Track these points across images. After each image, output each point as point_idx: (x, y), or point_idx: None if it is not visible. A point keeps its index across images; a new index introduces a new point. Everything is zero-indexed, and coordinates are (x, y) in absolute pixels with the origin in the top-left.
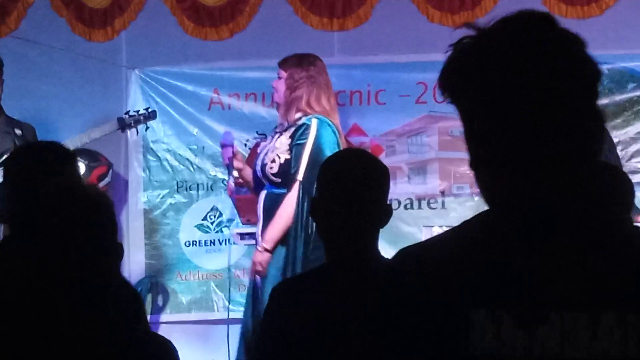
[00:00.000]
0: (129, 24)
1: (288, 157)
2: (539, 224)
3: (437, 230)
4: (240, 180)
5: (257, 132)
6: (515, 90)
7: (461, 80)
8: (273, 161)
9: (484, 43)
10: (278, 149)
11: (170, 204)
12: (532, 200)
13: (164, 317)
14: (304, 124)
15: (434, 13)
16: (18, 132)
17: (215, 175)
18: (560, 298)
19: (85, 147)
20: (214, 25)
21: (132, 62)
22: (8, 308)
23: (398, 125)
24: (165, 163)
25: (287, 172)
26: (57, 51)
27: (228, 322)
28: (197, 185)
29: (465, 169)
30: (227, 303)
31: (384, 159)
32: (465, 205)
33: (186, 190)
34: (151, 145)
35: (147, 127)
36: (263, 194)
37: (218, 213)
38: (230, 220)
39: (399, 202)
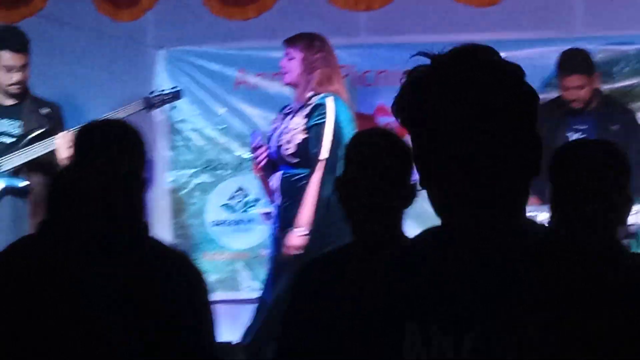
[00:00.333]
0: (155, 4)
1: (304, 136)
2: (471, 243)
3: None
4: None
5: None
6: (453, 117)
7: (410, 107)
8: (289, 142)
9: (429, 74)
10: (293, 129)
11: (197, 183)
12: (465, 222)
13: None
14: (319, 103)
15: None
16: (44, 111)
17: (241, 155)
18: (483, 316)
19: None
20: (240, 4)
21: (158, 41)
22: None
23: None
24: (191, 143)
25: (304, 151)
26: (83, 31)
27: (254, 301)
28: (223, 164)
29: None
30: (253, 283)
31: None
32: None
33: (212, 170)
34: (177, 125)
35: (173, 107)
36: (278, 175)
37: (244, 193)
38: (256, 200)
39: None
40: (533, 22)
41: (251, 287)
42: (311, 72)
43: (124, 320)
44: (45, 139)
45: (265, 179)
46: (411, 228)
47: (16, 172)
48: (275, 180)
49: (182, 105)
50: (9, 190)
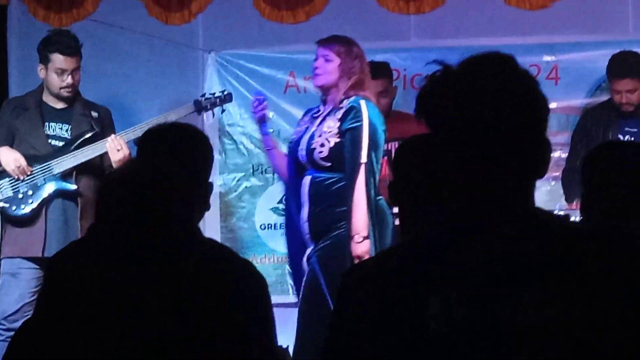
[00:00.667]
0: (206, 7)
1: (338, 140)
2: (476, 228)
3: None
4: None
5: None
6: (466, 121)
7: (428, 109)
8: (322, 145)
9: (448, 80)
10: (326, 132)
11: (246, 187)
12: (474, 213)
13: None
14: (352, 106)
15: None
16: (95, 114)
17: None
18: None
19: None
20: (290, 8)
21: (209, 45)
22: None
23: None
24: (241, 146)
25: (338, 155)
26: (134, 34)
27: None
28: (273, 168)
29: None
30: None
31: None
32: (541, 189)
33: (262, 173)
34: (227, 128)
35: (223, 110)
36: (307, 179)
37: None
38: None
39: None
40: (584, 25)
41: None
42: (350, 78)
43: (179, 329)
44: (96, 142)
45: (274, 151)
46: None
47: (66, 175)
48: (304, 185)
49: (232, 108)
50: (60, 193)
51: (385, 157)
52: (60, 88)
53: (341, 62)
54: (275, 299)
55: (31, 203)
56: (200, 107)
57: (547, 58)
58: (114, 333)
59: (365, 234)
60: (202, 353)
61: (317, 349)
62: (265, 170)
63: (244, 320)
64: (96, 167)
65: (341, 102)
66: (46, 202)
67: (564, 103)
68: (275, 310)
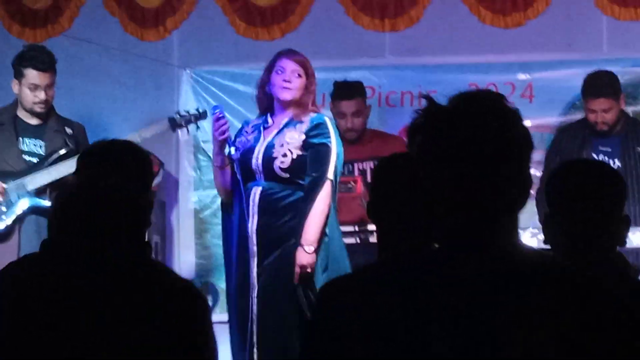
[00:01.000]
0: (181, 24)
1: (300, 153)
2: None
3: None
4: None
5: None
6: (452, 156)
7: (418, 143)
8: (284, 155)
9: (436, 114)
10: (289, 143)
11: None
12: (453, 245)
13: (214, 317)
14: (320, 123)
15: (485, 14)
16: (69, 131)
17: None
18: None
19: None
20: (266, 25)
21: (184, 61)
22: None
23: None
24: None
25: (298, 168)
26: (109, 50)
27: None
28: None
29: None
30: None
31: None
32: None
33: None
34: (202, 145)
35: (198, 127)
36: (257, 190)
37: None
38: None
39: None
40: (559, 43)
41: None
42: (310, 89)
43: (120, 342)
44: (70, 158)
45: (221, 165)
46: None
47: (40, 191)
48: (254, 195)
49: (208, 125)
50: (34, 210)
51: (360, 176)
52: (34, 103)
53: (307, 79)
54: None
55: (5, 219)
56: (174, 124)
57: (521, 76)
58: (62, 342)
59: (315, 246)
60: None
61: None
62: None
63: (184, 341)
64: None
65: (301, 115)
66: (20, 219)
67: (538, 121)
68: None
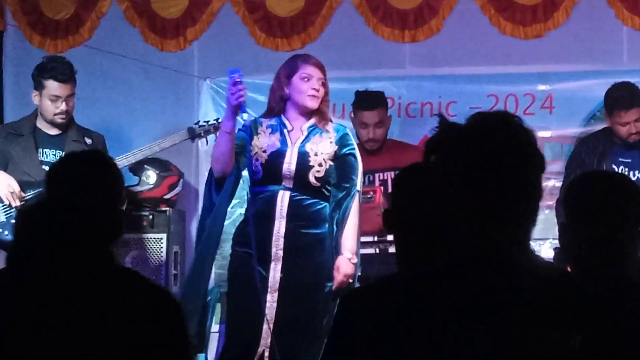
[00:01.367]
0: (201, 34)
1: (331, 163)
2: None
3: None
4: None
5: None
6: (469, 172)
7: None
8: (320, 165)
9: (457, 133)
10: (324, 154)
11: (240, 213)
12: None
13: None
14: (345, 133)
15: (505, 25)
16: (88, 141)
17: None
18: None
19: (156, 156)
20: (286, 36)
21: (204, 72)
22: None
23: None
24: None
25: (327, 178)
26: (129, 61)
27: None
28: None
29: None
30: None
31: None
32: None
33: None
34: None
35: (217, 138)
36: (285, 195)
37: None
38: None
39: None
40: (579, 54)
41: None
42: (327, 101)
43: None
44: None
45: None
46: None
47: None
48: (282, 200)
49: None
50: None
51: (381, 187)
52: (54, 114)
53: (325, 87)
54: None
55: None
56: (193, 135)
57: (541, 87)
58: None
59: (357, 258)
60: None
61: None
62: None
63: (160, 347)
64: None
65: (321, 124)
66: None
67: (558, 132)
68: None
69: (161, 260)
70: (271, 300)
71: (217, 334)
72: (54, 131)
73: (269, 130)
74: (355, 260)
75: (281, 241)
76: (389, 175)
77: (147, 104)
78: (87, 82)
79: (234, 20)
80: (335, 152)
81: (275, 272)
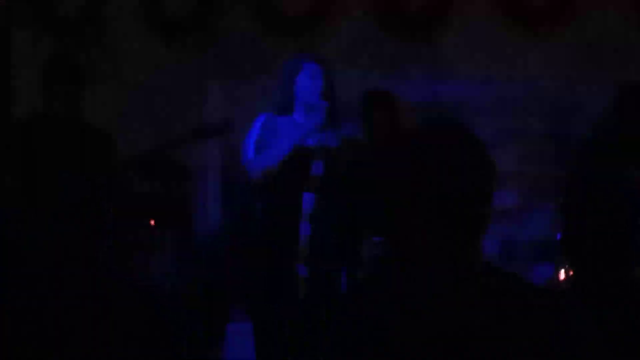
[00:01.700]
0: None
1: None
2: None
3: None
4: None
5: None
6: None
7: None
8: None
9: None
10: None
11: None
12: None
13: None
14: (357, 134)
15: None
16: None
17: None
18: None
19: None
20: (295, 37)
21: (212, 73)
22: None
23: None
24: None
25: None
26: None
27: None
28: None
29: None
30: None
31: None
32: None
33: None
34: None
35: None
36: (309, 197)
37: None
38: None
39: None
40: None
41: None
42: (335, 98)
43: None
44: None
45: None
46: None
47: None
48: (309, 201)
49: (234, 136)
50: None
51: None
52: None
53: (333, 85)
54: None
55: None
56: (201, 135)
57: None
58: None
59: None
60: None
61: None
62: None
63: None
64: None
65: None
66: None
67: None
68: None
69: None
70: (296, 302)
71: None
72: None
73: (290, 127)
74: None
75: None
76: None
77: (155, 104)
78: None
79: (243, 20)
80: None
81: (300, 275)
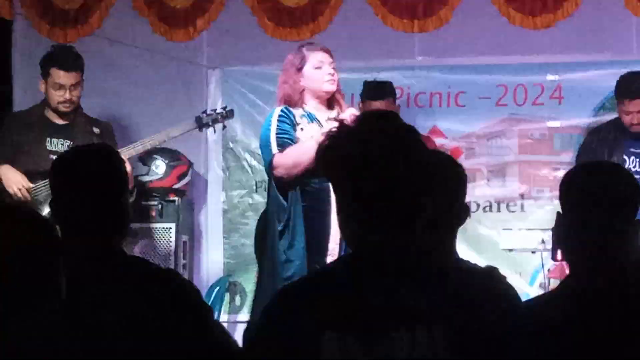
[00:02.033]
0: (210, 24)
1: None
2: (383, 267)
3: (515, 234)
4: None
5: None
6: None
7: (328, 162)
8: None
9: (341, 138)
10: None
11: (249, 203)
12: (378, 248)
13: (240, 316)
14: None
15: (515, 15)
16: (96, 130)
17: None
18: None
19: (165, 146)
20: (294, 25)
21: (213, 61)
22: None
23: (477, 128)
24: (244, 163)
25: None
26: (138, 50)
27: None
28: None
29: (545, 172)
30: None
31: (463, 161)
32: (545, 208)
33: (265, 190)
34: (231, 145)
35: (224, 127)
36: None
37: None
38: None
39: (478, 205)
40: (588, 44)
41: None
42: (340, 87)
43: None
44: None
45: None
46: (465, 251)
47: None
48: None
49: (235, 125)
50: None
51: None
52: (58, 103)
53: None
54: None
55: None
56: (201, 124)
57: (550, 77)
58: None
59: None
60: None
61: None
62: None
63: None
64: None
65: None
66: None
67: (567, 122)
68: None
69: (170, 250)
70: None
71: (226, 324)
72: (61, 120)
73: (306, 120)
74: None
75: (338, 235)
76: None
77: (156, 94)
78: (95, 72)
79: (243, 10)
80: None
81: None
